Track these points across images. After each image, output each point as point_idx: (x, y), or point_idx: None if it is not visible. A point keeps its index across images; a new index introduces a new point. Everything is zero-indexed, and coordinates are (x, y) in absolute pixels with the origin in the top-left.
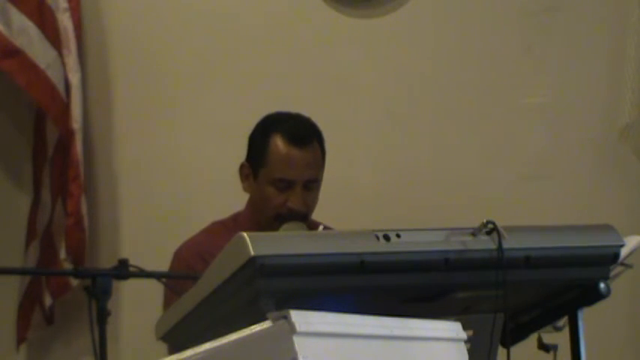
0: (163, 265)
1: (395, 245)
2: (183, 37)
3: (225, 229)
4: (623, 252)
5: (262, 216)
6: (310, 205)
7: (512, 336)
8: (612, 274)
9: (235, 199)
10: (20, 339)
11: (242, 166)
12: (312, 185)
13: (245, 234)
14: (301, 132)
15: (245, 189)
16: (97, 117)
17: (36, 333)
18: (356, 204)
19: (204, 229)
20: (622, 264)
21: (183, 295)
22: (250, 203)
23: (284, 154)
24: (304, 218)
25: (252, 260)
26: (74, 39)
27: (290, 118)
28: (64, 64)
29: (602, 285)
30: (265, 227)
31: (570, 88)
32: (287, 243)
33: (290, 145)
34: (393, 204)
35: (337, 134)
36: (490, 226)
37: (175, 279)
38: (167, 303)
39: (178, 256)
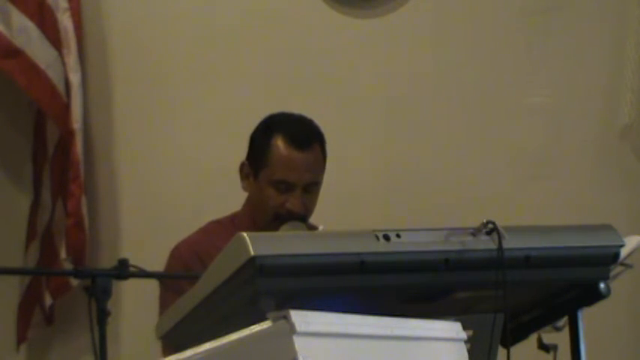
0: (163, 265)
1: (395, 245)
2: (183, 37)
3: (223, 229)
4: (623, 252)
5: (261, 216)
6: (309, 208)
7: (512, 336)
8: (612, 274)
9: (236, 198)
10: (20, 339)
11: (242, 165)
12: (312, 188)
13: (245, 234)
14: (303, 134)
15: (244, 188)
16: (97, 117)
17: (36, 333)
18: (356, 204)
19: (200, 228)
20: (622, 264)
21: (179, 294)
22: (249, 203)
23: (285, 156)
24: (303, 220)
25: (252, 260)
26: (74, 39)
27: (293, 120)
28: (64, 64)
29: (602, 285)
30: (263, 227)
31: (570, 88)
32: (287, 243)
33: (291, 148)
34: (393, 204)
35: (337, 134)
36: (490, 226)
37: (174, 279)
38: (163, 302)
39: (175, 255)
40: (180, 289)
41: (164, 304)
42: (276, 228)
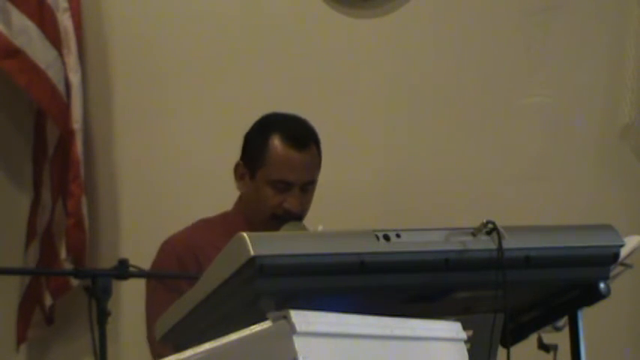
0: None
1: (395, 245)
2: (183, 37)
3: (214, 226)
4: (623, 252)
5: (257, 216)
6: (306, 207)
7: (512, 336)
8: (612, 274)
9: (235, 198)
10: (20, 339)
11: (237, 166)
12: (308, 187)
13: (245, 234)
14: (301, 134)
15: (239, 188)
16: (97, 117)
17: (36, 333)
18: (356, 204)
19: (190, 225)
20: (622, 264)
21: (174, 290)
22: (243, 203)
23: (284, 155)
24: (299, 219)
25: (252, 260)
26: (74, 39)
27: (288, 120)
28: (64, 64)
29: (602, 285)
30: (259, 227)
31: (570, 88)
32: (287, 243)
33: (290, 147)
34: (393, 204)
35: (337, 134)
36: (490, 226)
37: (172, 278)
38: (155, 299)
39: (167, 249)
40: (176, 287)
41: (155, 302)
42: (272, 228)
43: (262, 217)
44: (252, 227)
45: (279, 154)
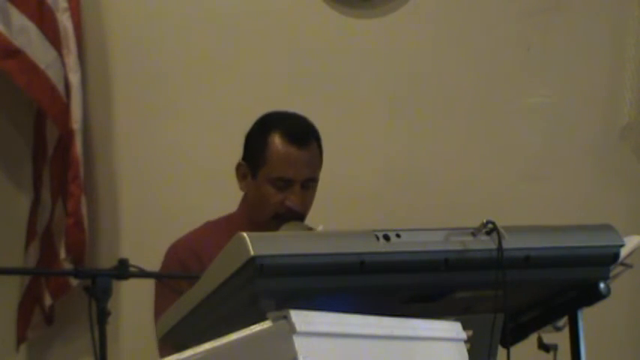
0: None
1: (395, 245)
2: (183, 36)
3: (219, 229)
4: (623, 252)
5: (260, 215)
6: (307, 205)
7: (512, 336)
8: (612, 274)
9: (236, 198)
10: (20, 339)
11: (239, 166)
12: (310, 184)
13: (245, 234)
14: (301, 131)
15: (242, 189)
16: (97, 117)
17: (36, 333)
18: (356, 204)
19: (196, 228)
20: (622, 264)
21: (177, 293)
22: (246, 203)
23: (284, 153)
24: (301, 218)
25: (252, 260)
26: (74, 39)
27: (288, 117)
28: (64, 64)
29: (602, 285)
30: (262, 227)
31: (570, 88)
32: (287, 243)
33: (290, 144)
34: (393, 204)
35: (337, 134)
36: (490, 226)
37: (173, 278)
38: (159, 301)
39: (171, 254)
40: (178, 288)
41: (160, 303)
42: (274, 227)
43: (265, 216)
44: (255, 228)
45: (278, 152)
